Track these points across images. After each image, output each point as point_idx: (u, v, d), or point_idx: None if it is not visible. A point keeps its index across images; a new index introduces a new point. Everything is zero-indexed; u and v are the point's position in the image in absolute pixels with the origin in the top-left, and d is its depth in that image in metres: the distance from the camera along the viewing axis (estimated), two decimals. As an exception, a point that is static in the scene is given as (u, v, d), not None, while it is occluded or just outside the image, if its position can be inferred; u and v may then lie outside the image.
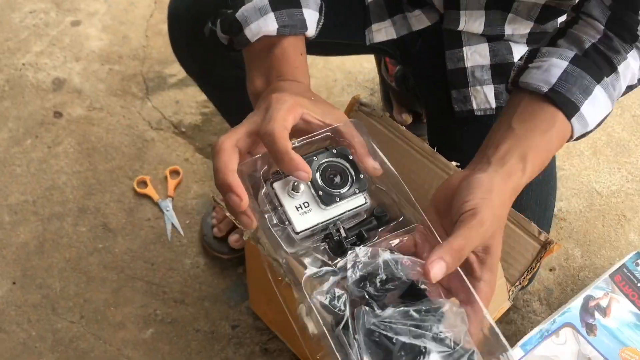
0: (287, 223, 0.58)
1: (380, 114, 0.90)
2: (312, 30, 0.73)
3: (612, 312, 1.04)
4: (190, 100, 1.43)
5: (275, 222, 0.58)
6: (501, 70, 0.91)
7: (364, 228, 0.60)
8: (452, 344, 0.53)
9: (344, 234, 0.59)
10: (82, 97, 1.43)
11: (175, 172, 1.30)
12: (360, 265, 0.55)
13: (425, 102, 1.10)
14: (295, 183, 0.58)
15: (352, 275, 0.55)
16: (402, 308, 0.53)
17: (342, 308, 0.54)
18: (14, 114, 1.40)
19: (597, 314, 1.04)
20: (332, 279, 0.56)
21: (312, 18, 0.72)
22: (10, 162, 1.32)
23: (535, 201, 0.94)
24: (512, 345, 1.01)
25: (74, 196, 1.27)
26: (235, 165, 0.57)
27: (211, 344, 1.09)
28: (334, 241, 0.59)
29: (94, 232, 1.22)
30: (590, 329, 1.02)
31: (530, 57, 0.71)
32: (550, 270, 1.19)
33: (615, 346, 1.01)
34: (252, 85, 0.70)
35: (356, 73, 1.50)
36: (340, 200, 0.59)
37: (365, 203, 0.61)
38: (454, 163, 0.86)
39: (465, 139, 0.95)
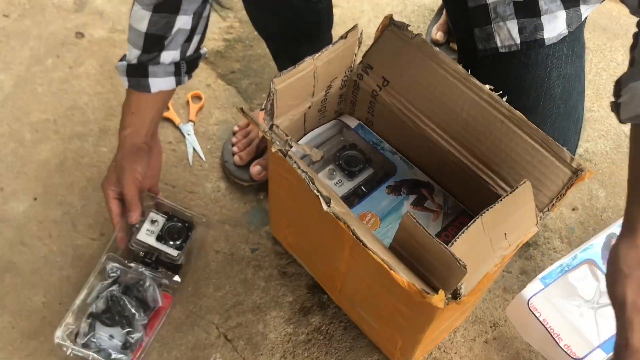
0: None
1: (413, 35, 0.87)
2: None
3: None
4: (213, 27, 1.40)
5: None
6: (523, 4, 0.88)
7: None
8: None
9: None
10: (104, 18, 1.41)
11: (197, 97, 1.29)
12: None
13: (455, 37, 1.08)
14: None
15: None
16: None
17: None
18: (35, 33, 1.38)
19: None
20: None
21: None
22: (32, 80, 1.31)
23: (554, 135, 0.92)
24: (532, 279, 1.00)
25: (95, 117, 1.26)
26: (117, 210, 1.02)
27: (231, 265, 1.10)
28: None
29: (115, 152, 1.21)
30: None
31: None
32: (573, 209, 1.18)
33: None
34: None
35: (384, 5, 1.46)
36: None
37: None
38: (487, 86, 0.84)
39: (489, 78, 0.93)
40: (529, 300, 0.97)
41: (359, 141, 0.99)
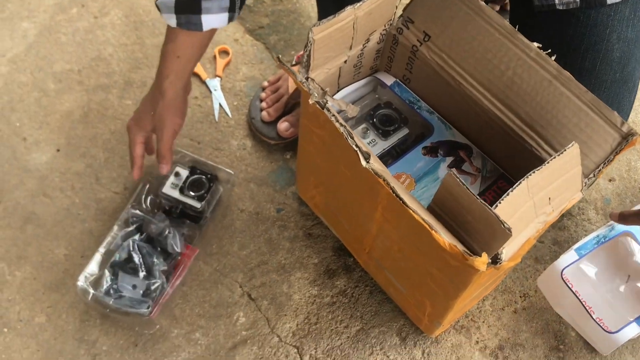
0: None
1: (458, -13, 0.83)
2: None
3: None
4: (242, -20, 1.35)
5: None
6: None
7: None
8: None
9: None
10: (130, -32, 1.37)
11: (224, 52, 1.25)
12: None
13: None
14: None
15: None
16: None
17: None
18: (59, -19, 1.34)
19: None
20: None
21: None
22: (56, 29, 1.28)
23: (607, 101, 0.88)
24: (565, 250, 0.97)
25: (120, 68, 1.23)
26: (140, 151, 0.96)
27: (255, 224, 1.07)
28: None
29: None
30: None
31: None
32: (610, 180, 1.14)
33: None
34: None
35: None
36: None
37: None
38: (535, 44, 0.79)
39: (543, 37, 0.89)
40: (562, 270, 0.94)
41: (394, 99, 0.95)
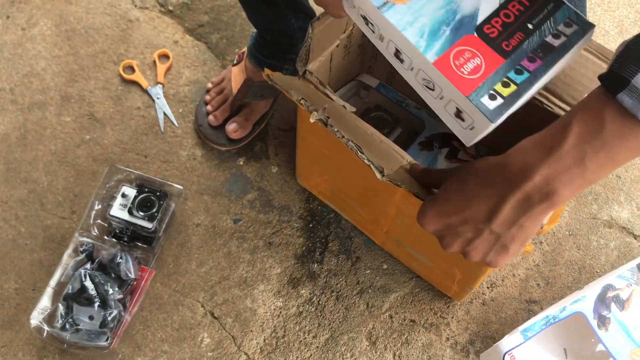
0: None
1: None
2: None
3: (631, 306, 0.91)
4: (177, -24, 1.28)
5: None
6: None
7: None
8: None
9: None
10: (56, -28, 1.28)
11: (164, 56, 1.19)
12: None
13: None
14: None
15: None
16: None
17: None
18: (-20, -8, 1.26)
19: (613, 307, 0.91)
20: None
21: None
22: (-18, 46, 1.20)
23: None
24: (511, 330, 0.93)
25: (55, 83, 1.16)
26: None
27: (213, 238, 1.03)
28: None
29: (80, 122, 1.12)
30: (603, 322, 0.89)
31: None
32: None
33: (626, 345, 0.88)
34: None
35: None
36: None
37: None
38: None
39: None
40: (505, 354, 0.87)
41: (383, 101, 0.93)
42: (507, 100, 0.54)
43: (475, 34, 0.56)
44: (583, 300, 0.90)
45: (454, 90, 0.54)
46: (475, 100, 0.54)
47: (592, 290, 0.91)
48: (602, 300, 0.90)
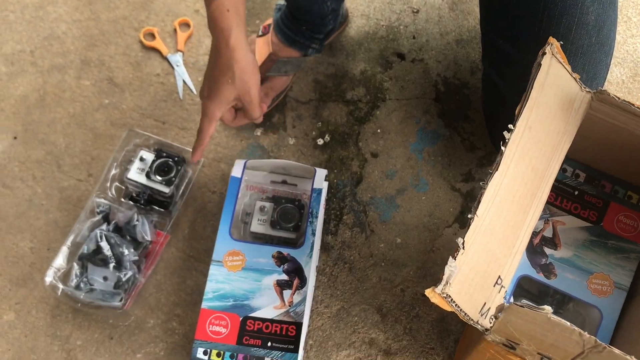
0: None
1: None
2: None
3: (561, 239, 0.88)
4: (200, -54, 1.28)
5: None
6: None
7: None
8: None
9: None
10: (79, -63, 1.28)
11: (185, 25, 1.19)
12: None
13: None
14: None
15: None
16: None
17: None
18: (3, -46, 1.25)
19: (547, 250, 0.87)
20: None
21: None
22: (2, 7, 1.20)
23: (583, 66, 0.85)
24: None
25: (75, 47, 1.16)
26: (213, 131, 0.87)
27: (228, 206, 1.04)
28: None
29: (99, 87, 1.12)
30: (548, 270, 0.86)
31: None
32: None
33: (582, 279, 0.86)
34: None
35: None
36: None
37: None
38: None
39: (517, 3, 0.86)
40: None
41: None
42: None
43: None
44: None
45: None
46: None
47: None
48: (533, 250, 0.87)
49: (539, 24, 0.83)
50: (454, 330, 0.97)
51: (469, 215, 0.65)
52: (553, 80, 0.73)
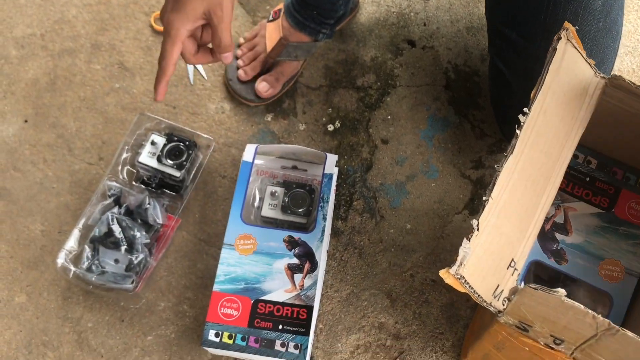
0: None
1: None
2: None
3: (573, 225, 0.88)
4: None
5: None
6: None
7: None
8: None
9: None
10: None
11: (195, 10, 1.18)
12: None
13: None
14: None
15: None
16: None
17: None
18: (13, -63, 1.25)
19: (558, 235, 0.87)
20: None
21: None
22: (13, -9, 1.20)
23: (591, 51, 0.85)
24: None
25: (85, 31, 1.16)
26: (177, 55, 0.74)
27: (239, 190, 1.04)
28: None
29: (110, 71, 1.13)
30: (559, 255, 0.87)
31: None
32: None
33: (592, 264, 0.86)
34: None
35: None
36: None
37: None
38: None
39: None
40: None
41: None
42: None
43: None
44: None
45: None
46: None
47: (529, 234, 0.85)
48: (545, 236, 0.87)
49: (545, 12, 0.82)
50: (463, 316, 0.97)
51: (484, 198, 0.65)
52: (567, 65, 0.73)
